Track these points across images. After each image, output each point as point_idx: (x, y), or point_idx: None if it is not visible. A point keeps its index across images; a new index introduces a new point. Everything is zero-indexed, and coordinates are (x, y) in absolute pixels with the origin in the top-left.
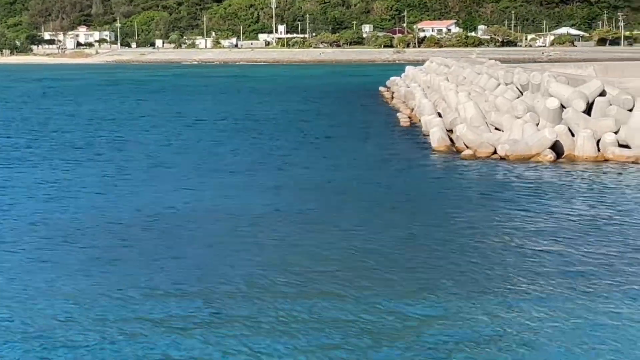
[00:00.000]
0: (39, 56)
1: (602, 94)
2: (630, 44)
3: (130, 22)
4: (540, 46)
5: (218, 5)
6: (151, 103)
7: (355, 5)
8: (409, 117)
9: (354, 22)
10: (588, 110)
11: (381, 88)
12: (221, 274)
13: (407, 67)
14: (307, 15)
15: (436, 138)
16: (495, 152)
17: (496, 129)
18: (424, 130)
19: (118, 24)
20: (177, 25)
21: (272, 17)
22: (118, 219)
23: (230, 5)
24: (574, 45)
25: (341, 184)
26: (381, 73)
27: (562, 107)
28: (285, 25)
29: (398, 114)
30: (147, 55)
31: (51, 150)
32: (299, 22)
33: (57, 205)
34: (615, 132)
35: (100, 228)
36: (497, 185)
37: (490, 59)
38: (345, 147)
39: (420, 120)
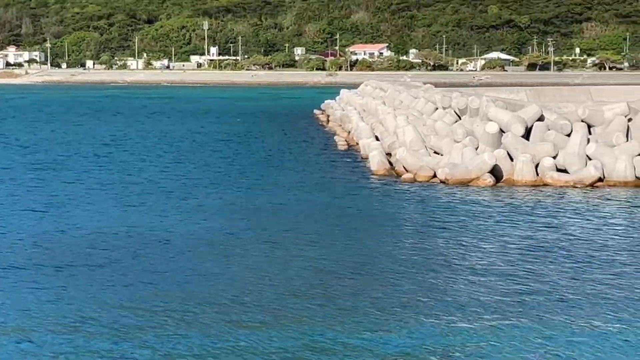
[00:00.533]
0: None
1: (541, 118)
2: (560, 69)
3: (61, 42)
4: (471, 70)
5: (150, 27)
6: (84, 127)
7: (287, 28)
8: (346, 141)
9: (286, 45)
10: (526, 135)
11: (316, 111)
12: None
13: (342, 91)
14: (240, 37)
15: (375, 161)
16: (435, 175)
17: (435, 152)
18: (362, 154)
19: (48, 44)
20: (108, 46)
21: (204, 38)
22: (56, 241)
23: (162, 26)
24: (505, 70)
25: (280, 207)
26: (315, 96)
27: (501, 131)
28: (217, 47)
29: (335, 137)
30: (77, 76)
31: None
32: (231, 44)
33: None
34: (554, 157)
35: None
36: (438, 208)
37: (425, 82)
38: (283, 170)
39: (357, 144)
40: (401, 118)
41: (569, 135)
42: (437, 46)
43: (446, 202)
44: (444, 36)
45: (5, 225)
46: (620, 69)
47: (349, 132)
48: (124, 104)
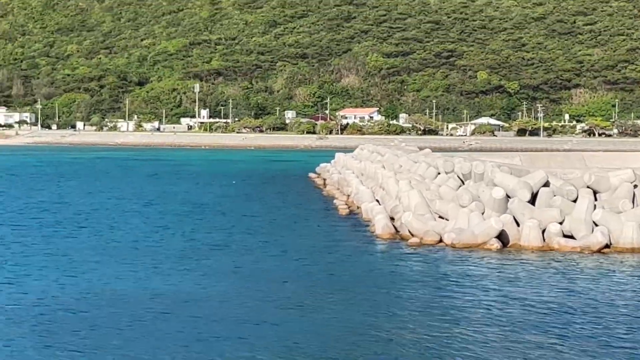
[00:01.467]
0: None
1: (546, 184)
2: (549, 135)
3: (52, 103)
4: (461, 135)
5: (140, 89)
6: (79, 189)
7: (278, 92)
8: (347, 204)
9: (277, 108)
10: (532, 200)
11: (311, 174)
12: None
13: (337, 154)
14: (230, 100)
15: (380, 225)
16: (441, 240)
17: (440, 217)
18: (364, 218)
19: (39, 106)
20: (98, 108)
21: (194, 101)
22: (50, 303)
23: (152, 89)
24: (494, 135)
25: (288, 271)
26: (307, 159)
27: (507, 196)
28: (208, 109)
29: (335, 201)
30: (67, 137)
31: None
32: (221, 107)
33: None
34: (560, 223)
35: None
36: (447, 273)
37: (419, 147)
38: (286, 233)
39: (358, 207)
40: (404, 182)
41: (574, 201)
42: (427, 111)
43: (454, 267)
44: (433, 101)
45: (22, 286)
46: (610, 136)
47: (349, 196)
48: (116, 165)
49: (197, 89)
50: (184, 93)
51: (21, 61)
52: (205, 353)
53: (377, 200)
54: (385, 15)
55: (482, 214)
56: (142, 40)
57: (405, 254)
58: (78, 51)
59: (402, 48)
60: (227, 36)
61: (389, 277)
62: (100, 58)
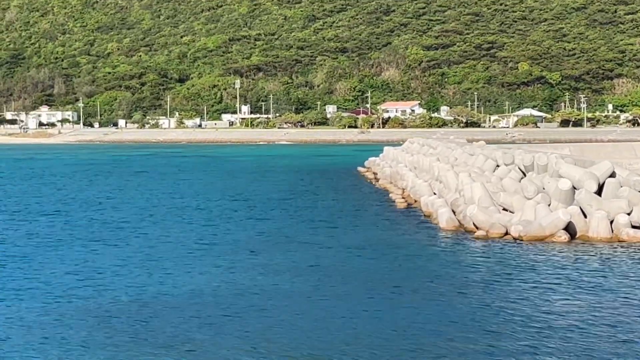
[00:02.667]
0: (1, 136)
1: (612, 175)
2: (593, 125)
3: (93, 102)
4: (504, 127)
5: (181, 86)
6: (142, 185)
7: (318, 86)
8: (403, 198)
9: (318, 103)
10: (598, 192)
11: (360, 168)
12: None
13: (385, 148)
14: (271, 96)
15: (444, 218)
16: (506, 232)
17: (504, 209)
18: (424, 211)
19: (81, 104)
20: (140, 105)
21: (235, 97)
22: (121, 301)
23: (193, 85)
24: (537, 127)
25: (354, 266)
26: (351, 153)
27: (573, 188)
28: (248, 105)
29: (390, 195)
30: (110, 135)
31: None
32: (262, 103)
33: (92, 283)
34: (628, 214)
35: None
36: (519, 266)
37: (468, 140)
38: (348, 227)
39: (415, 201)
40: (464, 175)
41: None
42: (469, 103)
43: (526, 260)
44: (475, 93)
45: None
46: None
47: (403, 189)
48: (168, 162)
49: (237, 85)
50: (225, 89)
51: (62, 60)
52: (287, 347)
53: (434, 194)
54: (424, 7)
55: (548, 205)
56: (181, 37)
57: (473, 247)
58: (118, 49)
59: (442, 40)
60: (267, 31)
61: (460, 271)
62: (140, 56)
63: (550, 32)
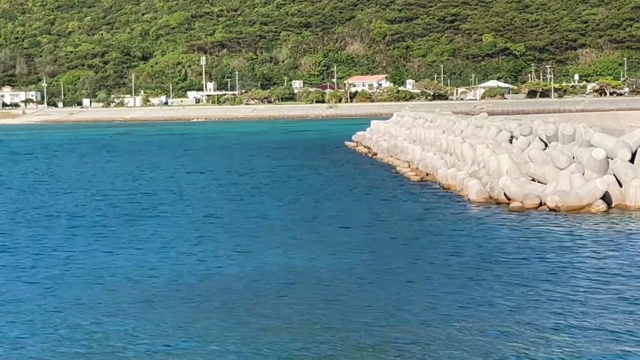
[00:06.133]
0: None
1: None
2: (560, 96)
3: (56, 81)
4: (472, 99)
5: (145, 64)
6: (126, 163)
7: (283, 62)
8: (413, 171)
9: (284, 78)
10: (631, 160)
11: (348, 142)
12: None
13: (373, 122)
14: (236, 72)
15: (474, 191)
16: (541, 203)
17: (532, 180)
18: (443, 184)
19: (44, 84)
20: (103, 84)
21: (200, 74)
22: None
23: (157, 63)
24: (505, 98)
25: (392, 241)
26: (326, 128)
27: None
28: (214, 82)
29: (398, 169)
30: (76, 114)
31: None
32: (227, 79)
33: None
34: None
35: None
36: (564, 237)
37: (453, 111)
38: (375, 203)
39: (427, 174)
40: (482, 147)
41: None
42: (435, 76)
43: (569, 231)
44: (440, 66)
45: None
46: (621, 94)
47: (409, 163)
48: (142, 141)
49: (203, 62)
50: (189, 66)
51: (23, 40)
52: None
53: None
54: None
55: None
56: (143, 14)
57: (511, 218)
58: (79, 28)
59: (406, 13)
60: (229, 7)
61: (504, 243)
62: (102, 34)
63: (513, 4)
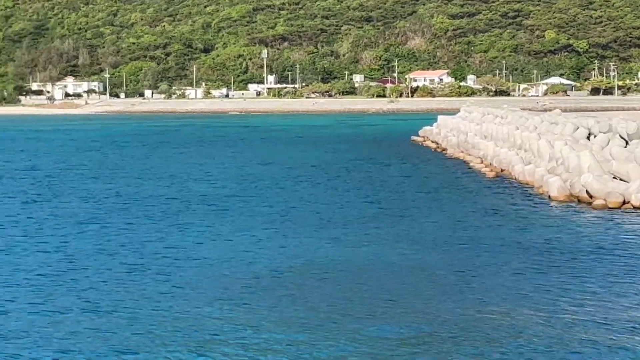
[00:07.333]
0: (28, 107)
1: None
2: (624, 94)
3: (118, 72)
4: (534, 96)
5: (206, 56)
6: (195, 155)
7: (343, 55)
8: (487, 167)
9: (345, 72)
10: None
11: (414, 137)
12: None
13: (440, 117)
14: (297, 66)
15: (555, 187)
16: (624, 202)
17: (613, 177)
18: (520, 180)
19: (106, 75)
20: (165, 76)
21: (261, 67)
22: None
23: (218, 55)
24: (567, 95)
25: (468, 238)
26: (388, 122)
27: None
28: (275, 75)
29: (471, 164)
30: (137, 105)
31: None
32: (288, 72)
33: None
34: None
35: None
36: None
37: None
38: (452, 199)
39: (502, 170)
40: (560, 143)
41: None
42: (496, 72)
43: None
44: (502, 62)
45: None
46: None
47: (482, 159)
48: (210, 133)
49: (265, 55)
50: (250, 59)
51: (86, 31)
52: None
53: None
54: None
55: None
56: (205, 7)
57: (597, 216)
58: (142, 19)
59: (468, 9)
60: (291, 1)
61: (594, 240)
62: (164, 26)
63: (576, 0)
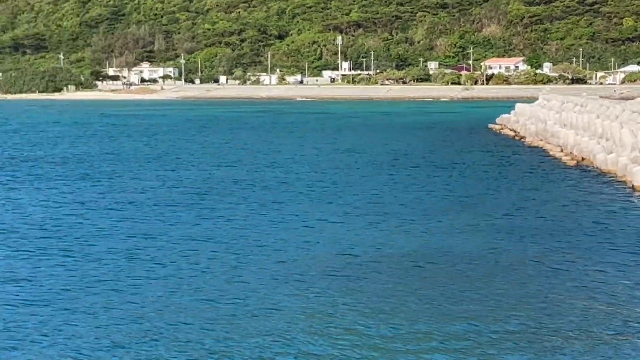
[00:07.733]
0: (104, 92)
1: None
2: None
3: (194, 58)
4: (611, 84)
5: (281, 42)
6: (284, 140)
7: (418, 42)
8: (567, 156)
9: (420, 59)
10: None
11: (492, 125)
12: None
13: (518, 105)
14: (371, 52)
15: None
16: None
17: None
18: (602, 169)
19: (182, 60)
20: (240, 62)
21: (335, 53)
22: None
23: (293, 42)
24: None
25: (572, 228)
26: (463, 110)
27: None
28: (349, 61)
29: (551, 153)
30: (212, 91)
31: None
32: (362, 59)
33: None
34: None
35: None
36: None
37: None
38: (536, 187)
39: (583, 159)
40: None
41: None
42: (573, 59)
43: None
44: (579, 49)
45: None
46: None
47: (561, 147)
48: (289, 120)
49: (339, 41)
50: (324, 46)
51: (162, 16)
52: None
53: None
54: None
55: None
56: None
57: None
58: (217, 5)
59: None
60: None
61: None
62: (239, 12)
63: None
